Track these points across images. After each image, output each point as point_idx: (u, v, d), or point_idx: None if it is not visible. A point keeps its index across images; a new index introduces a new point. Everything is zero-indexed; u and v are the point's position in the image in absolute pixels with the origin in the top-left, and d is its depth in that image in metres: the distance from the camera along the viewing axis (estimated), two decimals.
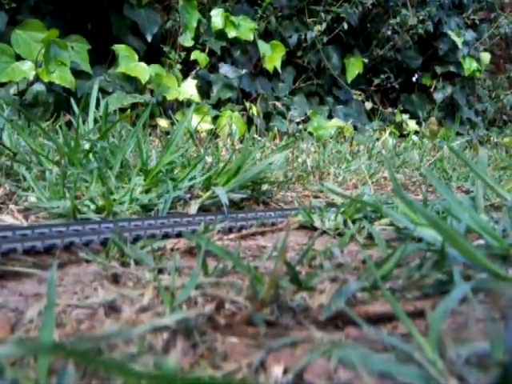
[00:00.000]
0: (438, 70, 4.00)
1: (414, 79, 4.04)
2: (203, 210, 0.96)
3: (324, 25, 3.29)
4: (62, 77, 2.23)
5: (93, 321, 0.44)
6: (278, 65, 3.13)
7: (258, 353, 0.38)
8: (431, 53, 4.00)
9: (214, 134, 2.40)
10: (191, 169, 1.02)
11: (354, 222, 0.85)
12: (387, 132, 3.20)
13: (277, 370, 0.36)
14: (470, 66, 4.02)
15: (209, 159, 1.25)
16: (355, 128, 3.41)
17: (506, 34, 4.32)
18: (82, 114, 1.25)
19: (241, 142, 2.41)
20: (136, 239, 0.69)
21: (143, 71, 2.50)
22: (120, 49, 2.54)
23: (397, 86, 3.75)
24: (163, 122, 2.49)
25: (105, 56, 2.62)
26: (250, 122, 2.87)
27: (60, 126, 1.36)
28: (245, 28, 2.98)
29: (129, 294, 0.48)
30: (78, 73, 2.36)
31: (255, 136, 2.24)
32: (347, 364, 0.35)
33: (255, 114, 2.93)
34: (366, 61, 3.61)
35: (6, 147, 1.14)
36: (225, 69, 2.97)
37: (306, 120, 3.24)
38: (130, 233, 0.69)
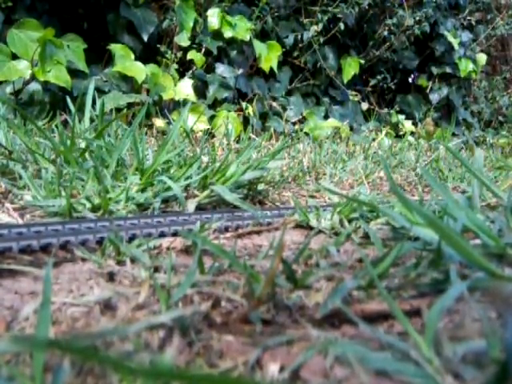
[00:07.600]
0: (434, 70, 4.01)
1: (410, 80, 4.05)
2: (200, 209, 0.96)
3: (320, 25, 3.29)
4: (57, 76, 2.23)
5: (88, 319, 0.43)
6: (275, 65, 3.13)
7: (254, 351, 0.38)
8: (427, 54, 4.01)
9: (210, 134, 2.40)
10: (187, 168, 1.02)
11: (350, 221, 0.85)
12: (383, 132, 3.20)
13: (273, 368, 0.36)
14: (466, 67, 4.03)
15: (205, 159, 1.24)
16: (351, 128, 3.42)
17: (502, 36, 4.33)
18: (78, 113, 1.25)
19: (237, 142, 2.41)
20: (132, 238, 0.69)
21: (139, 71, 2.49)
22: (116, 48, 2.54)
23: (393, 87, 3.75)
24: (159, 122, 2.48)
25: (101, 55, 2.61)
26: (246, 121, 2.86)
27: (56, 125, 1.36)
28: (241, 28, 2.97)
29: (125, 292, 0.48)
30: (74, 72, 2.35)
31: (251, 136, 2.24)
32: (343, 362, 0.35)
33: (251, 114, 2.92)
34: (362, 61, 3.61)
35: (2, 145, 1.14)
36: (221, 69, 2.97)
37: (303, 120, 3.24)
38: (126, 231, 0.68)
